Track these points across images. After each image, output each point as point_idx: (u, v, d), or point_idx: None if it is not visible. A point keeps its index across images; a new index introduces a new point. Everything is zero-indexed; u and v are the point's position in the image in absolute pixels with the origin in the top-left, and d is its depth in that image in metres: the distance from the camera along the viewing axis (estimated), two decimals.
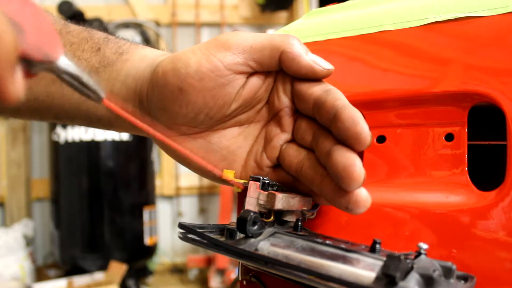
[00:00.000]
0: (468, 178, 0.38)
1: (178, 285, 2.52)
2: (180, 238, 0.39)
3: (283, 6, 2.80)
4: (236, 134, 0.41)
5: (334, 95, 0.36)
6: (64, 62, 0.28)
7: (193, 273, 2.55)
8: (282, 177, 0.40)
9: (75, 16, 2.40)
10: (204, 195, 2.91)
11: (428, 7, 0.41)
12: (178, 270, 2.69)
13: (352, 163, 0.32)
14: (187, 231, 0.38)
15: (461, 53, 0.39)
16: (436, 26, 0.40)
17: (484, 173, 0.42)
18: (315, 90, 0.37)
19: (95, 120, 0.45)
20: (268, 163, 0.40)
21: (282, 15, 2.93)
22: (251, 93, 0.40)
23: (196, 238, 0.38)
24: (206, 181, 2.87)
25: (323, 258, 0.33)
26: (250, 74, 0.39)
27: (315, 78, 0.38)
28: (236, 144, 0.41)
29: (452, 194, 0.38)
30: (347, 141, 0.33)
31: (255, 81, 0.39)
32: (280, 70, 0.39)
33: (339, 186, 0.33)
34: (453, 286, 0.30)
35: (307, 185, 0.38)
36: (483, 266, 0.35)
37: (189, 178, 2.86)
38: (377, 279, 0.29)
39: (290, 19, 2.84)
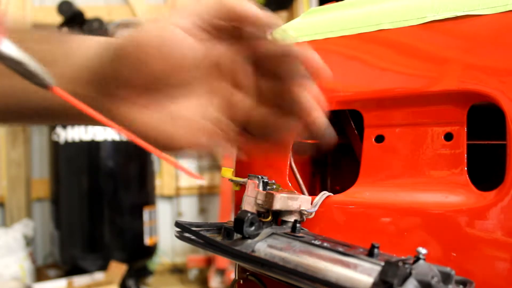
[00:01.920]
0: (468, 178, 0.38)
1: (178, 285, 2.52)
2: (177, 237, 0.38)
3: (283, 6, 2.79)
4: (196, 101, 0.41)
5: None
6: (7, 47, 0.28)
7: (193, 273, 2.55)
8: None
9: (75, 16, 2.40)
10: (204, 195, 2.90)
11: (427, 6, 0.41)
12: (178, 270, 2.69)
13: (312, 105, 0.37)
14: (183, 230, 0.38)
15: (460, 52, 0.39)
16: (435, 24, 0.40)
17: (483, 173, 0.42)
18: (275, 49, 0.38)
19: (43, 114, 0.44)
20: (231, 124, 0.40)
21: (282, 15, 2.93)
22: (211, 60, 0.39)
23: (193, 237, 0.37)
24: (206, 181, 2.87)
25: (320, 261, 0.33)
26: (210, 40, 0.39)
27: (264, 27, 0.38)
28: (197, 110, 0.41)
29: (452, 194, 0.37)
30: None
31: (214, 47, 0.39)
32: (238, 36, 0.39)
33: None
34: None
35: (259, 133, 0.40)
36: (483, 267, 0.34)
37: (189, 178, 2.85)
38: (375, 285, 0.29)
39: (290, 19, 2.83)
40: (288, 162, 0.45)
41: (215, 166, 2.89)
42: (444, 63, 0.39)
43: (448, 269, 0.30)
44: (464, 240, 0.35)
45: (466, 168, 0.38)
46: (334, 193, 0.43)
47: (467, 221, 0.35)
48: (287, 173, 0.45)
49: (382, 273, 0.28)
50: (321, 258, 0.33)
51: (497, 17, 0.37)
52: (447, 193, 0.38)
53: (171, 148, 0.40)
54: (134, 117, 0.40)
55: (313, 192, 0.44)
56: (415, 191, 0.39)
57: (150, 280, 2.54)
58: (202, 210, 2.92)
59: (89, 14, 2.51)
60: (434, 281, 0.29)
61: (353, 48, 0.45)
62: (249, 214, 0.36)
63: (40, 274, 2.54)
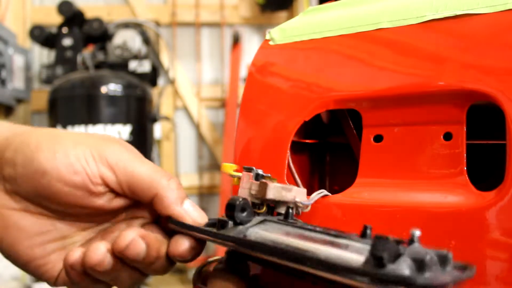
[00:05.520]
0: (467, 178, 0.37)
1: (178, 285, 2.51)
2: (169, 227, 0.38)
3: (283, 6, 2.79)
4: (81, 227, 0.41)
5: None
6: None
7: (193, 273, 2.55)
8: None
9: (75, 16, 2.40)
10: (204, 195, 2.90)
11: (426, 5, 0.41)
12: (178, 270, 2.69)
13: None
14: (177, 225, 0.38)
15: (459, 50, 0.38)
16: (434, 23, 0.40)
17: (483, 173, 0.41)
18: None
19: None
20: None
21: (282, 15, 2.93)
22: (111, 208, 0.39)
23: (184, 229, 0.37)
24: (206, 181, 2.87)
25: (311, 243, 0.31)
26: (119, 194, 0.39)
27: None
28: (77, 237, 0.40)
29: (451, 194, 0.37)
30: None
31: (119, 201, 0.39)
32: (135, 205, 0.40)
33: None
34: (448, 273, 0.27)
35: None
36: (482, 267, 0.34)
37: (189, 178, 2.85)
38: (366, 262, 0.27)
39: (290, 19, 2.83)
40: (286, 162, 0.45)
41: (215, 166, 2.89)
42: (443, 62, 0.38)
43: (445, 251, 0.28)
44: (464, 241, 0.35)
45: (465, 168, 0.37)
46: (332, 193, 0.43)
47: (467, 221, 0.35)
48: (285, 173, 0.45)
49: (372, 247, 0.26)
50: (311, 240, 0.32)
51: (497, 16, 0.37)
52: (446, 193, 0.37)
53: (17, 261, 0.39)
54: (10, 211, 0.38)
55: (311, 192, 0.44)
56: (414, 191, 0.39)
57: (150, 280, 2.54)
58: (202, 210, 2.92)
59: (89, 14, 2.51)
60: (428, 259, 0.26)
61: (351, 47, 0.45)
62: (240, 199, 0.35)
63: None
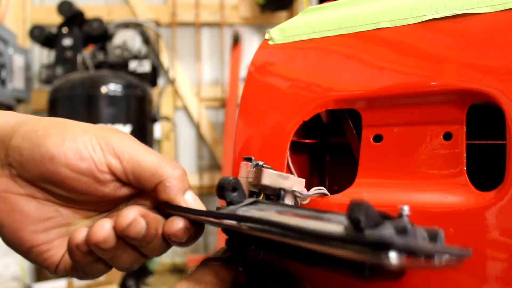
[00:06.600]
0: (467, 178, 0.37)
1: None
2: (166, 211, 0.38)
3: (283, 6, 2.79)
4: (85, 215, 0.41)
5: None
6: None
7: None
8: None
9: (75, 16, 2.40)
10: (204, 195, 2.90)
11: (426, 4, 0.41)
12: (178, 270, 2.69)
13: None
14: (170, 208, 0.37)
15: (459, 50, 0.38)
16: (434, 23, 0.40)
17: (483, 173, 0.41)
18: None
19: None
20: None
21: (282, 15, 2.93)
22: (116, 197, 0.40)
23: (178, 212, 0.37)
24: (206, 181, 2.87)
25: (296, 218, 0.31)
26: (124, 183, 0.39)
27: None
28: (80, 224, 0.40)
29: (451, 194, 0.37)
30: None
31: (125, 191, 0.39)
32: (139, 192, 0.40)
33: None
34: (435, 246, 0.25)
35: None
36: (482, 267, 0.34)
37: (189, 178, 2.85)
38: (345, 228, 0.25)
39: (290, 19, 2.83)
40: (286, 162, 0.45)
41: (215, 166, 2.89)
42: (443, 61, 0.38)
43: (435, 228, 0.27)
44: (463, 241, 0.35)
45: (465, 168, 0.37)
46: (332, 193, 0.42)
47: (466, 221, 0.35)
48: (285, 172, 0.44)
49: (349, 210, 0.24)
50: (297, 215, 0.31)
51: (497, 15, 0.37)
52: (446, 193, 0.37)
53: (20, 247, 0.38)
54: (15, 197, 0.37)
55: None
56: (413, 191, 0.39)
57: (150, 280, 2.54)
58: None
59: (89, 14, 2.51)
60: (411, 227, 0.24)
61: (351, 47, 0.45)
62: (230, 179, 0.35)
63: (40, 274, 2.54)
